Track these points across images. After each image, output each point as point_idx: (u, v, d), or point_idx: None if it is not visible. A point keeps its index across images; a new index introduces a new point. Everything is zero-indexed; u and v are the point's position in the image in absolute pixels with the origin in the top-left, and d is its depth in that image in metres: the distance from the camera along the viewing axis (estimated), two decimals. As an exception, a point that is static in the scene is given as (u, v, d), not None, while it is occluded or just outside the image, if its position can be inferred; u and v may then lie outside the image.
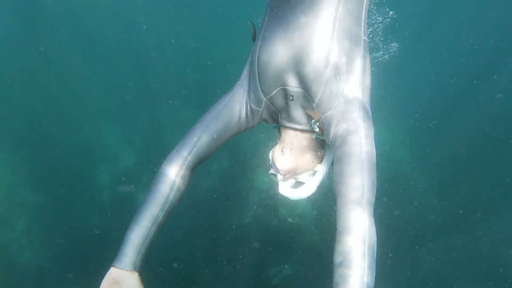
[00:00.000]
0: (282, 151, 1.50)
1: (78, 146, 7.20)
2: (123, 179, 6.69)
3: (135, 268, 1.23)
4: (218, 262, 5.41)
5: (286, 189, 1.56)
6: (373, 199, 1.14)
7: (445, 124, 8.53)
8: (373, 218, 1.12)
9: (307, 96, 1.34)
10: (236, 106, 1.46)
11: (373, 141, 1.24)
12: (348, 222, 1.09)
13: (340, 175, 1.19)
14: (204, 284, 5.18)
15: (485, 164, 7.34)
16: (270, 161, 1.61)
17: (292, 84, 1.36)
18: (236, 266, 5.34)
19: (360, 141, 1.21)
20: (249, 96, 1.47)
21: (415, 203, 7.13)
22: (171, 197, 1.32)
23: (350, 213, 1.11)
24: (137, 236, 1.24)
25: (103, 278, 1.20)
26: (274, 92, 1.41)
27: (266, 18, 1.43)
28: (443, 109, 8.90)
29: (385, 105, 7.97)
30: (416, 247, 6.16)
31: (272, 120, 1.53)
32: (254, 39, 1.52)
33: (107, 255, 4.80)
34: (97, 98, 8.42)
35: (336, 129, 1.29)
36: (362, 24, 1.36)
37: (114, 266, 1.22)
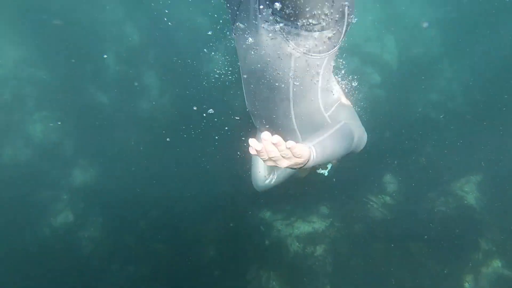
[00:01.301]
0: None
1: (80, 22, 6.81)
2: (128, 57, 6.49)
3: None
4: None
5: None
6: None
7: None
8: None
9: None
10: None
11: None
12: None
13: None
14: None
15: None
16: None
17: None
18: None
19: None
20: None
21: (436, 89, 6.64)
22: None
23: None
24: None
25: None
26: None
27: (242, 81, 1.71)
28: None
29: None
30: (427, 134, 5.98)
31: None
32: None
33: (116, 129, 4.94)
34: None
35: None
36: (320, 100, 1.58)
37: None
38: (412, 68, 6.71)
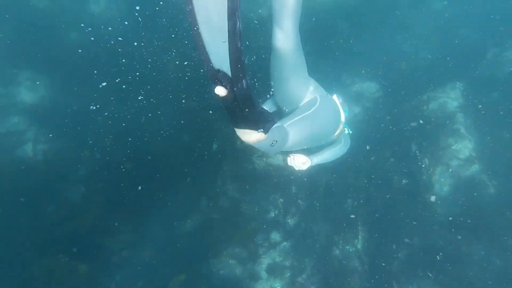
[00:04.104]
0: None
1: None
2: None
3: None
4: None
5: None
6: None
7: None
8: None
9: None
10: None
11: None
12: None
13: None
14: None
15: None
16: None
17: None
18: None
19: None
20: None
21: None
22: None
23: None
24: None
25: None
26: None
27: None
28: None
29: None
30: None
31: None
32: None
33: (58, 35, 3.92)
34: None
35: None
36: None
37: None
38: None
